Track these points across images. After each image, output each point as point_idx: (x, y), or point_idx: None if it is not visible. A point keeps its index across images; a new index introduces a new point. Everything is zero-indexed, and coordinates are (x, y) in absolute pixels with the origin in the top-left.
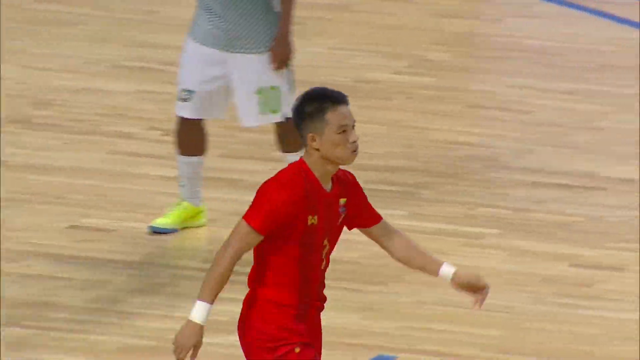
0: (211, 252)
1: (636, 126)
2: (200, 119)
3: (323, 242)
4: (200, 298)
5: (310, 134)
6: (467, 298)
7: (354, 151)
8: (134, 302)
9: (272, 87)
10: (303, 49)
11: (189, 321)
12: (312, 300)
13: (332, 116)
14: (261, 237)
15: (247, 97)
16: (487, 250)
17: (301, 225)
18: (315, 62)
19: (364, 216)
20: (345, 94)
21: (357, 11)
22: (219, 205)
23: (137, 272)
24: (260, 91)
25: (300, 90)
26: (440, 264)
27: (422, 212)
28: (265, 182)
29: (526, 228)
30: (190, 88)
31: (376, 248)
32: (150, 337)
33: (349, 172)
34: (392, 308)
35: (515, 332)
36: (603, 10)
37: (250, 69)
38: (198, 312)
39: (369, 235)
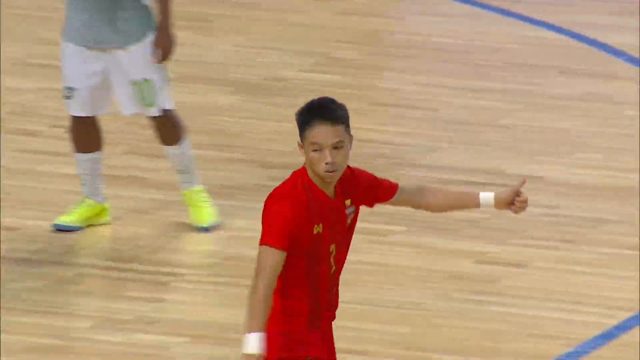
0: (115, 250)
1: (541, 124)
2: (91, 116)
3: (329, 249)
4: (251, 331)
5: (299, 143)
6: (379, 294)
7: (328, 171)
8: (38, 300)
9: (146, 80)
10: (212, 47)
11: (248, 355)
12: (321, 310)
13: (310, 132)
14: (284, 253)
15: (124, 89)
16: (393, 247)
17: (307, 235)
18: (224, 60)
19: (377, 194)
20: (340, 113)
21: (265, 9)
22: (123, 203)
23: (40, 270)
24: (134, 84)
25: (204, 88)
26: (476, 197)
27: None
28: (267, 200)
29: (432, 225)
30: (71, 85)
31: None
32: (55, 336)
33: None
34: None
35: (423, 329)
36: (509, 9)
37: (123, 63)
38: (253, 343)
39: (394, 204)
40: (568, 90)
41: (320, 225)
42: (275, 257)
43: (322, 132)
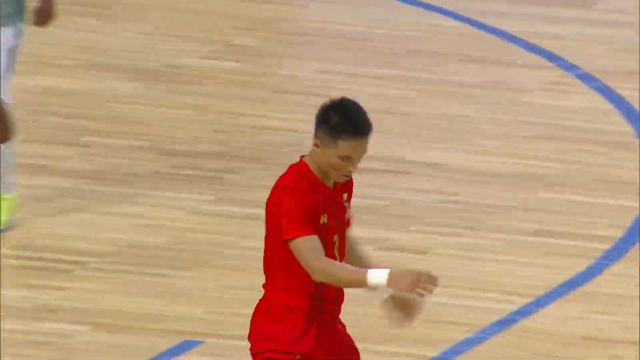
0: (17, 238)
1: (441, 111)
2: None
3: (333, 239)
4: (365, 274)
5: (318, 140)
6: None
7: (346, 176)
8: None
9: None
10: (112, 34)
11: (388, 277)
12: (325, 303)
13: (344, 144)
14: (315, 235)
15: None
16: None
17: (315, 225)
18: (124, 47)
19: None
20: (371, 125)
21: None
22: (26, 192)
23: None
24: None
25: (101, 76)
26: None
27: (230, 197)
28: (274, 193)
29: None
30: None
31: (181, 232)
32: None
33: None
34: (198, 293)
35: None
36: None
37: None
38: (377, 274)
39: None
40: (467, 78)
41: (325, 215)
42: (311, 242)
43: (358, 148)
